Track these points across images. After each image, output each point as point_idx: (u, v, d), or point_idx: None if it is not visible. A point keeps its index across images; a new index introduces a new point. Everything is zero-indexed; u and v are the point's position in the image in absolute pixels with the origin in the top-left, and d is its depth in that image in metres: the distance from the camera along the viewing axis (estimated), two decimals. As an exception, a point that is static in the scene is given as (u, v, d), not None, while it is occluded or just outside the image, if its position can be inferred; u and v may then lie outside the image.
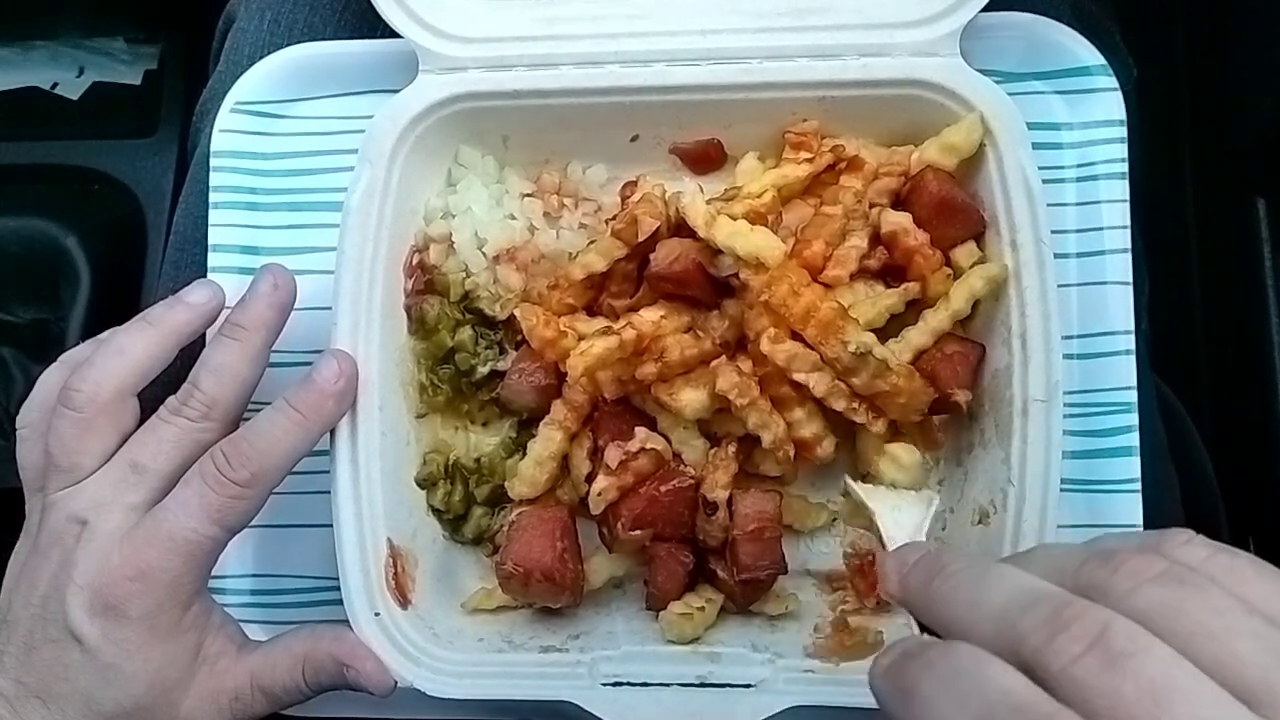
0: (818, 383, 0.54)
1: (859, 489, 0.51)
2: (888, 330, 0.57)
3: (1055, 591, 0.32)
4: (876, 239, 0.57)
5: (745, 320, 0.56)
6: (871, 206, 0.58)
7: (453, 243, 0.61)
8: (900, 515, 0.48)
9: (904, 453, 0.57)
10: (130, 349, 0.53)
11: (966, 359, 0.56)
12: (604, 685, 0.55)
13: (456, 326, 0.60)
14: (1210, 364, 0.82)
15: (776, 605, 0.58)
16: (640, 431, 0.57)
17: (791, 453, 0.56)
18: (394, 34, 0.59)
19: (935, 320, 0.56)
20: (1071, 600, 0.31)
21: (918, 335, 0.56)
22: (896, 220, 0.56)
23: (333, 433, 0.55)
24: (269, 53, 0.65)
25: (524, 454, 0.59)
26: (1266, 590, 0.31)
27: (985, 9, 0.57)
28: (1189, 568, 0.31)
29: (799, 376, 0.54)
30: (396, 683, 0.54)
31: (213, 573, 0.55)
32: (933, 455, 0.59)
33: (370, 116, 0.59)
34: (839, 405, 0.55)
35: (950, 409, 0.56)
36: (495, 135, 0.62)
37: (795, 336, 0.55)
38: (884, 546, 0.47)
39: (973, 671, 0.31)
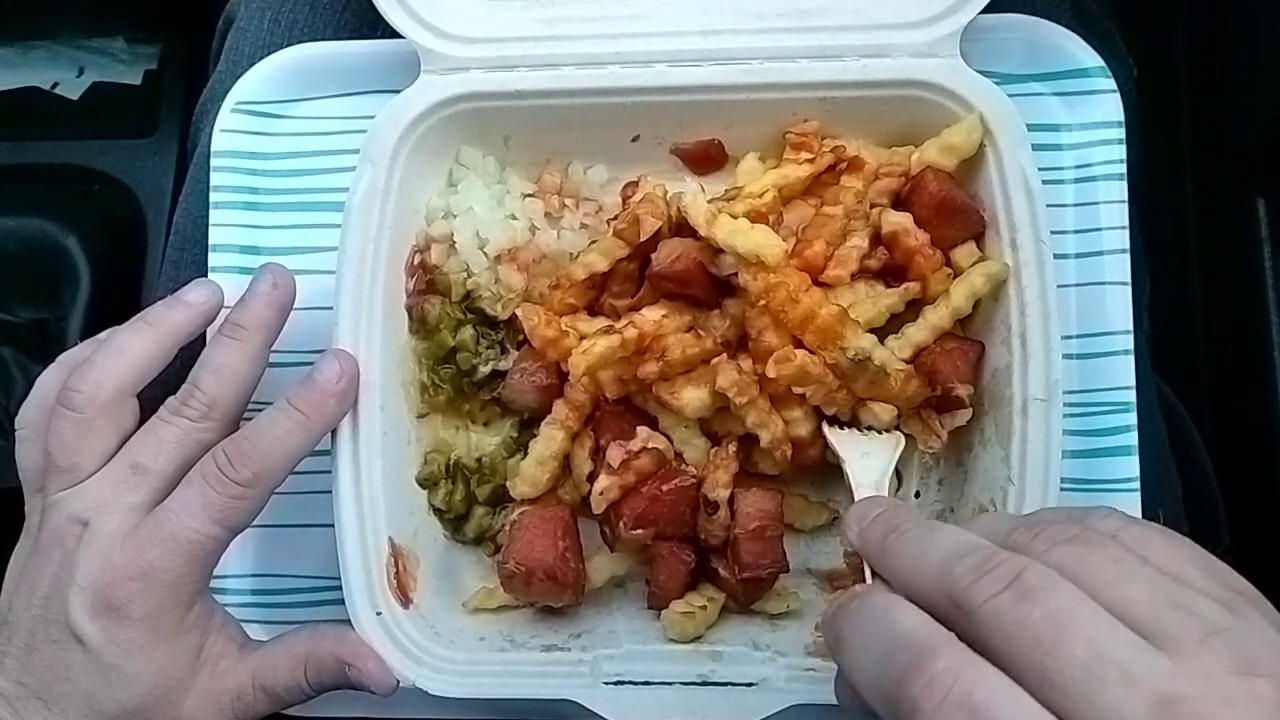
0: (814, 393, 0.55)
1: (832, 435, 0.53)
2: (888, 329, 0.58)
3: (986, 544, 0.37)
4: (877, 239, 0.58)
5: (746, 319, 0.56)
6: (872, 207, 0.58)
7: (454, 242, 0.61)
8: (869, 460, 0.51)
9: (882, 410, 0.56)
10: (130, 349, 0.53)
11: (966, 355, 0.57)
12: (606, 684, 0.55)
13: (458, 326, 0.60)
14: (1210, 364, 0.82)
15: (778, 604, 0.58)
16: (642, 431, 0.57)
17: (789, 452, 0.56)
18: (395, 34, 0.59)
19: (935, 317, 0.56)
20: (998, 551, 0.36)
21: (918, 332, 0.56)
22: (897, 220, 0.56)
23: (334, 432, 0.55)
24: (269, 53, 0.65)
25: (525, 453, 0.59)
26: (1167, 551, 0.35)
27: (985, 10, 0.57)
28: (1099, 533, 0.36)
29: (799, 390, 0.55)
30: (399, 682, 0.54)
31: (214, 573, 0.55)
32: (932, 454, 0.59)
33: (371, 116, 0.59)
34: (829, 411, 0.56)
35: (953, 404, 0.56)
36: (497, 135, 0.62)
37: (795, 340, 0.55)
38: (851, 495, 0.51)
39: (881, 614, 0.37)
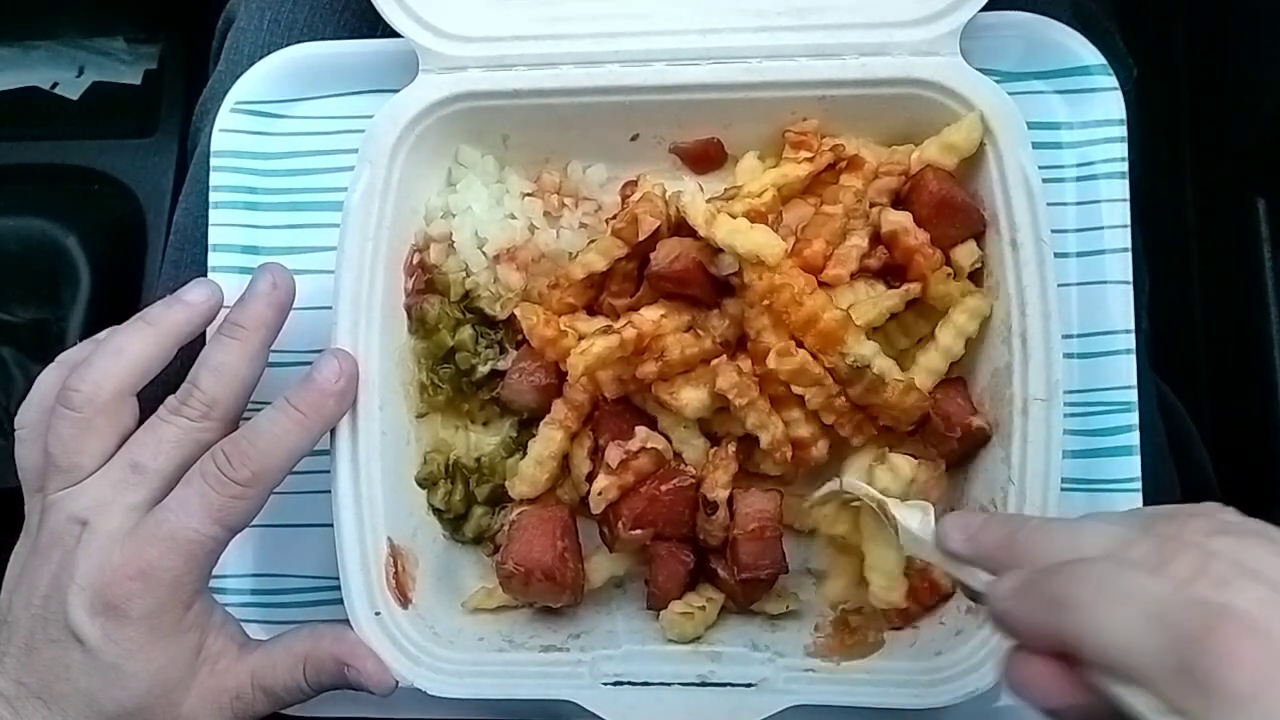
0: (814, 396, 0.55)
1: (865, 486, 0.52)
2: (887, 329, 0.58)
3: (1145, 536, 0.37)
4: (877, 238, 0.57)
5: (745, 319, 0.56)
6: (872, 206, 0.58)
7: (453, 242, 0.61)
8: (907, 511, 0.49)
9: (904, 464, 0.56)
10: (129, 349, 0.53)
11: (960, 390, 0.57)
12: (605, 685, 0.55)
13: (457, 326, 0.60)
14: (1210, 364, 0.82)
15: (777, 604, 0.58)
16: (641, 431, 0.57)
17: (789, 454, 0.56)
18: (394, 33, 0.59)
19: (932, 362, 0.56)
20: (1166, 539, 0.36)
21: (922, 377, 0.56)
22: (897, 219, 0.56)
23: (333, 432, 0.55)
24: (269, 52, 0.65)
25: (524, 453, 0.59)
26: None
27: (985, 8, 0.57)
28: (1233, 523, 0.38)
29: (798, 389, 0.55)
30: (397, 683, 0.54)
31: (213, 572, 0.55)
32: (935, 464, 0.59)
33: (370, 116, 0.59)
34: (829, 419, 0.56)
35: (978, 437, 0.56)
36: (495, 135, 0.62)
37: (795, 341, 0.55)
38: (895, 534, 0.49)
39: (1124, 575, 0.36)
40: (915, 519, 0.48)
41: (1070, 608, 0.36)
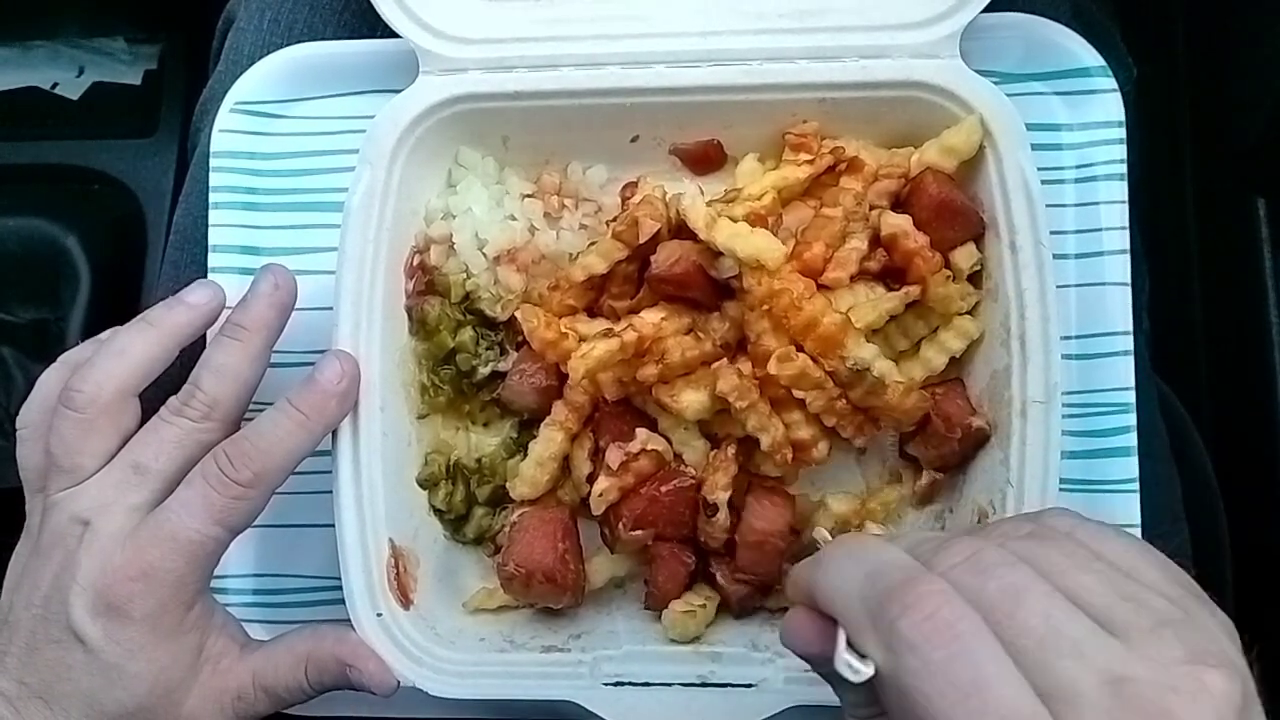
0: (815, 400, 0.55)
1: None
2: (886, 331, 0.58)
3: (938, 536, 0.39)
4: (876, 241, 0.57)
5: (746, 322, 0.56)
6: (871, 208, 0.58)
7: (453, 244, 0.61)
8: None
9: (836, 503, 0.59)
10: (131, 349, 0.53)
11: (958, 390, 0.58)
12: (605, 685, 0.55)
13: (457, 327, 0.60)
14: (1210, 364, 0.82)
15: (776, 600, 0.58)
16: (641, 432, 0.57)
17: (790, 456, 0.56)
18: (394, 34, 0.59)
19: (914, 373, 0.57)
20: (952, 538, 0.37)
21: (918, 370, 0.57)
22: (896, 222, 0.56)
23: (335, 433, 0.55)
24: (269, 52, 0.65)
25: (525, 455, 0.59)
26: (1119, 547, 0.37)
27: (985, 9, 0.57)
28: (1053, 529, 0.38)
29: (800, 394, 0.55)
30: (399, 683, 0.54)
31: (215, 572, 0.55)
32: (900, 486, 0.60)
33: (370, 117, 0.59)
34: (830, 421, 0.57)
35: (978, 438, 0.56)
36: (495, 136, 0.62)
37: (795, 345, 0.55)
38: None
39: (874, 545, 0.38)
40: None
41: (820, 564, 0.39)
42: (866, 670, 0.35)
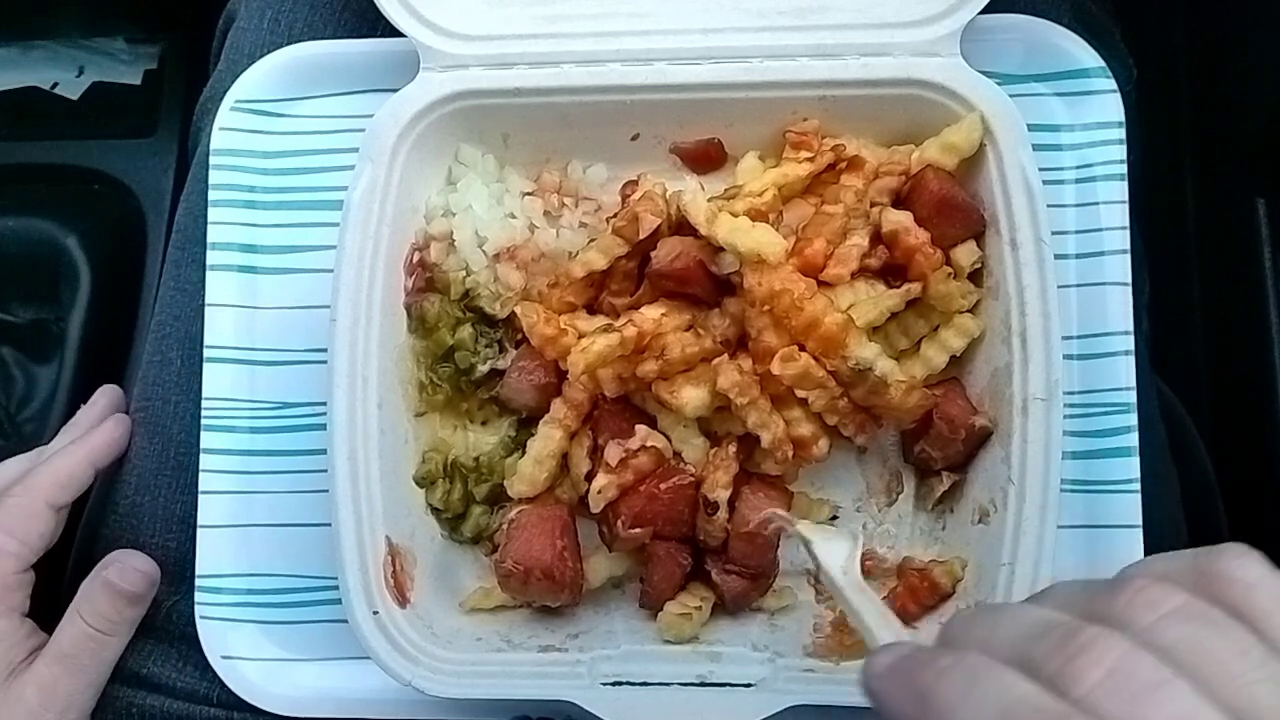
0: (817, 399, 0.55)
1: (795, 523, 0.53)
2: (887, 328, 0.57)
3: (1067, 619, 0.32)
4: (877, 238, 0.57)
5: (746, 319, 0.56)
6: (872, 205, 0.58)
7: (453, 241, 0.60)
8: (832, 546, 0.50)
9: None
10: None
11: (958, 390, 0.58)
12: (603, 685, 0.55)
13: (456, 324, 0.60)
14: (1210, 364, 0.82)
15: (774, 601, 0.58)
16: (640, 429, 0.57)
17: (790, 453, 0.56)
18: (394, 33, 0.59)
19: (920, 370, 0.57)
20: (1085, 626, 0.31)
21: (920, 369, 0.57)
22: (897, 219, 0.56)
23: (331, 431, 0.55)
24: (269, 51, 0.65)
25: (523, 452, 0.59)
26: None
27: (985, 9, 0.57)
28: (1216, 601, 0.31)
29: (802, 393, 0.55)
30: (159, 569, 0.58)
31: (210, 572, 0.55)
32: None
33: (370, 115, 0.59)
34: (831, 420, 0.57)
35: (981, 436, 0.56)
36: (496, 133, 0.62)
37: (796, 344, 0.55)
38: (817, 570, 0.49)
39: (991, 676, 0.31)
40: (841, 554, 0.49)
41: (933, 707, 0.32)
42: None
